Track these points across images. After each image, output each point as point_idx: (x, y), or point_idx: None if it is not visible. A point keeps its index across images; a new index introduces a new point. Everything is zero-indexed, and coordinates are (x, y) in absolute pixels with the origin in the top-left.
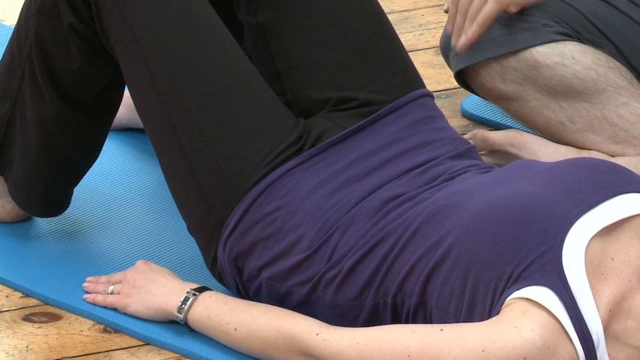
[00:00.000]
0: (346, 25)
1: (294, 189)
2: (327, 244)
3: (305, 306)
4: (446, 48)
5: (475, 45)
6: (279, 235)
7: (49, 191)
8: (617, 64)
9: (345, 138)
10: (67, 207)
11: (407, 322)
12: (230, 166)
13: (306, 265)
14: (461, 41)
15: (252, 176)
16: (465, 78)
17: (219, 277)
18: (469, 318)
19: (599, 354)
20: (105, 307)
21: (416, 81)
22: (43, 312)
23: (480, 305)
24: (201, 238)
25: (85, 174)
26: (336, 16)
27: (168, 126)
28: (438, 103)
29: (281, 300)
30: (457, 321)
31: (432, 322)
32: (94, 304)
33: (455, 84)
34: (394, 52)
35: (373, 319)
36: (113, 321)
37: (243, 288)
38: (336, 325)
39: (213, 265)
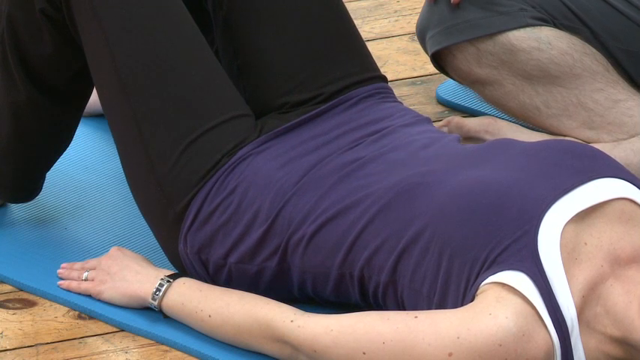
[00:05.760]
0: (305, 24)
1: (244, 171)
2: (284, 211)
3: (279, 279)
4: (422, 30)
5: (451, 27)
6: (236, 216)
7: (19, 177)
8: (593, 49)
9: (295, 127)
10: (39, 193)
11: (376, 298)
12: (190, 162)
13: (269, 236)
14: None
15: (210, 171)
16: (440, 61)
17: (185, 274)
18: (442, 300)
19: (572, 340)
20: (79, 294)
21: (374, 78)
22: (17, 298)
23: (454, 288)
24: (162, 236)
25: (56, 160)
26: (296, 14)
27: (131, 121)
28: (413, 89)
29: (254, 281)
30: (430, 302)
31: (403, 302)
32: (69, 291)
33: (430, 70)
34: (354, 51)
35: (340, 287)
36: (88, 307)
37: (212, 282)
38: (308, 287)
39: (176, 263)
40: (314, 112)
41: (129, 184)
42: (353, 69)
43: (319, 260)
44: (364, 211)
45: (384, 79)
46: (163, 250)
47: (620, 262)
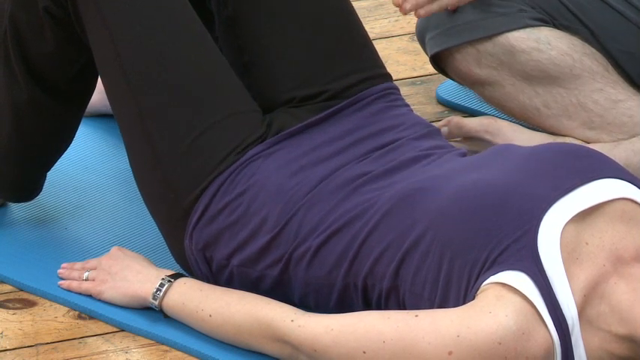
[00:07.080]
0: (313, 21)
1: (256, 174)
2: (292, 222)
3: (279, 288)
4: (422, 32)
5: (451, 29)
6: (244, 219)
7: (20, 176)
8: (592, 50)
9: (306, 128)
10: (39, 192)
11: (379, 305)
12: (197, 158)
13: (274, 244)
14: (420, 12)
15: (217, 167)
16: (440, 62)
17: (189, 271)
18: (444, 303)
19: (573, 338)
20: (80, 294)
21: (381, 76)
22: (17, 298)
23: (455, 290)
24: (168, 232)
25: (57, 160)
26: (304, 10)
27: (136, 116)
28: (413, 89)
29: (254, 286)
30: (432, 306)
31: (405, 307)
32: (69, 291)
33: (430, 70)
34: (360, 48)
35: (344, 299)
36: (88, 307)
37: (214, 280)
38: (310, 301)
39: (180, 259)
40: (325, 113)
41: (136, 181)
42: (359, 65)
43: (324, 272)
44: (368, 220)
45: (390, 77)
46: (169, 247)
47: (622, 262)
